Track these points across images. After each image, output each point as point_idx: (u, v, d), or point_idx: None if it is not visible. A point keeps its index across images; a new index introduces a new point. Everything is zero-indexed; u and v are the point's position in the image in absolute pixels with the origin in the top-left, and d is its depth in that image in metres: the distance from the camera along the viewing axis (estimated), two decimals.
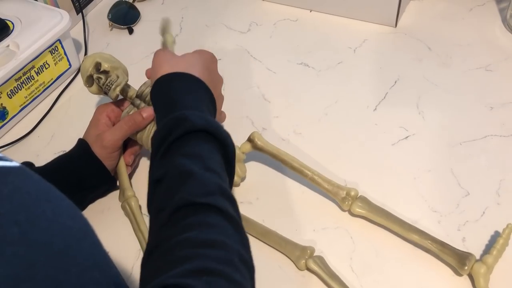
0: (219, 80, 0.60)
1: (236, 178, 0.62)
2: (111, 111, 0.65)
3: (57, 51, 0.78)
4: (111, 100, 0.65)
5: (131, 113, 0.63)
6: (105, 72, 0.63)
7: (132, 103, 0.64)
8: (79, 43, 0.88)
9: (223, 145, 0.47)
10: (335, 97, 0.74)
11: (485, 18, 0.83)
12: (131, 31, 0.90)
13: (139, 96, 0.64)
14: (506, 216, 0.59)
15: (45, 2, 0.84)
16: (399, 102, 0.72)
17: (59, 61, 0.79)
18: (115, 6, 0.91)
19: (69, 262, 0.27)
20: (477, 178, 0.63)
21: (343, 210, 0.61)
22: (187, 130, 0.46)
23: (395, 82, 0.75)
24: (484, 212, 0.59)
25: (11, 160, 0.29)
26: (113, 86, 0.62)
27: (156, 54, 0.59)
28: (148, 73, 0.63)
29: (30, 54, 0.73)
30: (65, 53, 0.79)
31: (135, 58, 0.84)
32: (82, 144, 0.63)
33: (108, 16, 0.90)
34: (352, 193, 0.60)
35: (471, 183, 0.62)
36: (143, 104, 0.63)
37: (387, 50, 0.80)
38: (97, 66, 0.63)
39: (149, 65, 0.82)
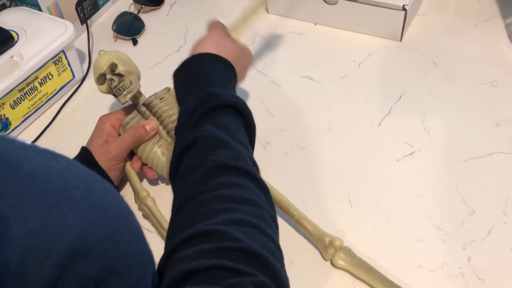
0: (244, 78, 0.67)
1: None
2: (115, 119, 0.64)
3: (60, 61, 0.78)
4: (119, 103, 0.64)
5: (135, 120, 0.63)
6: (119, 75, 0.62)
7: (138, 110, 0.64)
8: (83, 53, 0.87)
9: (249, 123, 0.53)
10: (339, 111, 0.74)
11: (491, 33, 0.82)
12: (135, 42, 0.89)
13: (147, 105, 0.63)
14: None
15: (50, 13, 0.84)
16: (404, 117, 0.72)
17: (62, 71, 0.79)
18: (119, 17, 0.91)
19: (122, 227, 0.30)
20: (483, 196, 0.62)
21: (325, 260, 0.58)
22: (219, 104, 0.51)
23: (400, 97, 0.74)
24: (490, 231, 0.58)
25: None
26: (124, 92, 0.61)
27: (214, 27, 0.64)
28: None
29: (34, 65, 0.73)
30: (68, 64, 0.79)
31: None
32: (86, 154, 0.62)
33: (112, 27, 0.90)
34: (336, 243, 0.56)
35: (477, 201, 0.61)
36: (147, 113, 0.63)
37: (392, 65, 0.80)
38: (112, 66, 0.62)
39: (153, 77, 0.82)
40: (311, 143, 0.70)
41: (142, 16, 0.93)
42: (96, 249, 0.27)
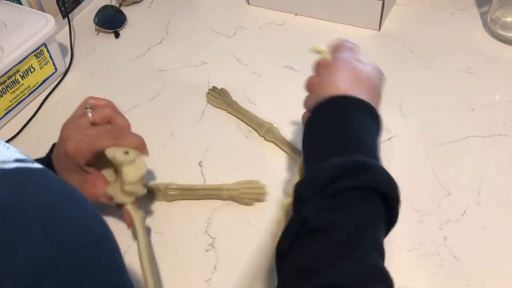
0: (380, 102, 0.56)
1: None
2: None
3: (42, 55, 0.78)
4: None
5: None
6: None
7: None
8: (65, 47, 0.88)
9: (392, 217, 0.43)
10: None
11: (466, 22, 0.84)
12: (117, 35, 0.90)
13: None
14: (486, 215, 0.60)
15: (31, 6, 0.84)
16: (382, 104, 0.73)
17: (44, 65, 0.79)
18: (101, 10, 0.91)
19: (90, 262, 0.27)
20: (459, 178, 0.64)
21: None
22: (371, 186, 0.42)
23: None
24: (465, 212, 0.60)
25: (33, 162, 0.29)
26: None
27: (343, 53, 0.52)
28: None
29: (15, 58, 0.73)
30: (50, 57, 0.79)
31: (121, 62, 0.85)
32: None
33: (94, 20, 0.90)
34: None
35: (453, 183, 0.63)
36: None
37: (371, 53, 0.80)
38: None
39: (135, 69, 0.83)
40: (293, 132, 0.71)
41: (124, 9, 0.93)
42: None
